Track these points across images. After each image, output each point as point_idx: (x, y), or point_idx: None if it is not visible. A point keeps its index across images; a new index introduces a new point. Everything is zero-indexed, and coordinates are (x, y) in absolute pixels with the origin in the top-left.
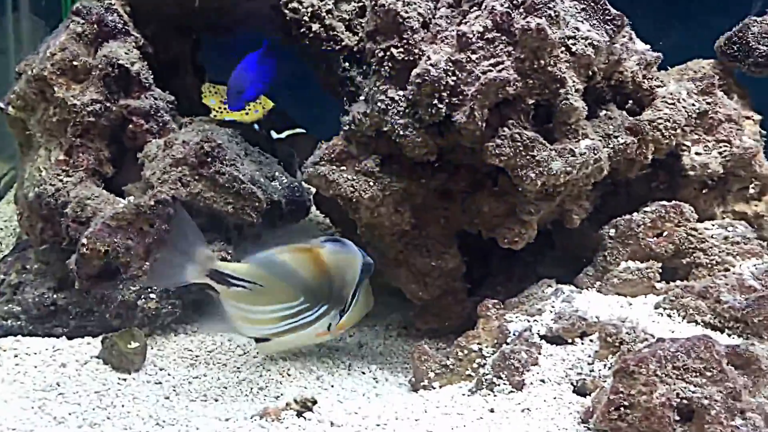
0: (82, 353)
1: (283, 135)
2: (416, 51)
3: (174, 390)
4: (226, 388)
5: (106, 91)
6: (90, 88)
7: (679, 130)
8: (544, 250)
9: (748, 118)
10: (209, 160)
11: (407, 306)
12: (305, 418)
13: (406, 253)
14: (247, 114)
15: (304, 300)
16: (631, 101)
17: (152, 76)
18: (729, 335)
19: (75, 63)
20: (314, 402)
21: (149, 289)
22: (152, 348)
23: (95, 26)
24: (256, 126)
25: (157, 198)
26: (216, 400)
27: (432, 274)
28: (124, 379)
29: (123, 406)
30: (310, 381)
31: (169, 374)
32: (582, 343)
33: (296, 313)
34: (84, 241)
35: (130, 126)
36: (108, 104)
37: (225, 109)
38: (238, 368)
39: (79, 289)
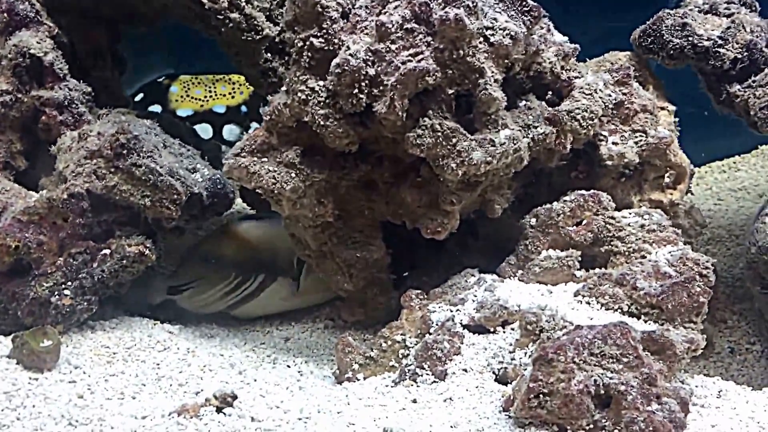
0: None
1: None
2: (336, 41)
3: (89, 388)
4: (144, 385)
5: (17, 81)
6: None
7: (596, 120)
8: (469, 240)
9: (663, 108)
10: (125, 152)
11: (334, 298)
12: (225, 414)
13: (330, 245)
14: (233, 97)
15: (235, 276)
16: (550, 92)
17: (67, 67)
18: (645, 321)
19: None
20: (234, 397)
21: (63, 285)
22: (67, 346)
23: (5, 15)
24: (243, 108)
25: (71, 191)
26: (133, 398)
27: (357, 265)
28: (36, 379)
29: (34, 406)
30: (232, 376)
31: (84, 372)
32: (503, 332)
33: (234, 288)
34: None
35: (44, 118)
36: (19, 95)
37: (212, 97)
38: (158, 364)
39: None
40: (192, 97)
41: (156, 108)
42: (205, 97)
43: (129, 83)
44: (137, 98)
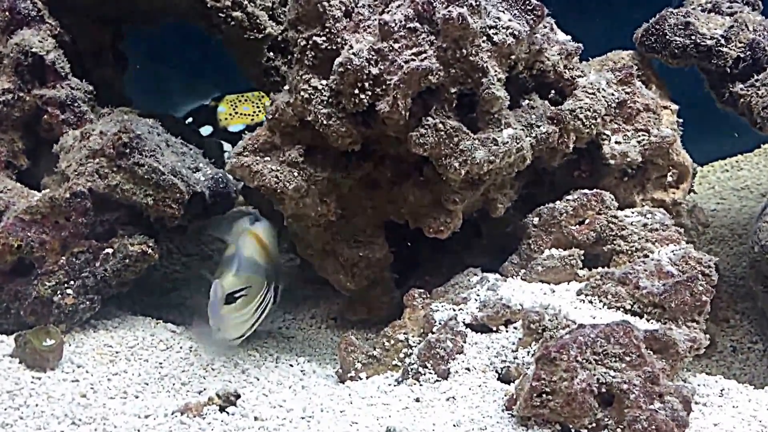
0: None
1: None
2: (339, 40)
3: (92, 387)
4: (147, 384)
5: (19, 80)
6: (1, 78)
7: (599, 120)
8: (472, 239)
9: (665, 107)
10: (127, 151)
11: (337, 297)
12: (228, 413)
13: (333, 244)
14: None
15: (266, 284)
16: (553, 91)
17: (69, 66)
18: (648, 320)
19: None
20: (237, 396)
21: (66, 285)
22: (70, 345)
23: (7, 14)
24: None
25: (73, 190)
26: (136, 397)
27: (360, 264)
28: (39, 378)
29: (37, 405)
30: (235, 375)
31: (87, 371)
32: (506, 331)
33: (263, 299)
34: None
35: (46, 116)
36: (21, 94)
37: (261, 111)
38: (161, 363)
39: None
40: (240, 113)
41: (207, 129)
42: (254, 111)
43: (176, 106)
44: (187, 121)
